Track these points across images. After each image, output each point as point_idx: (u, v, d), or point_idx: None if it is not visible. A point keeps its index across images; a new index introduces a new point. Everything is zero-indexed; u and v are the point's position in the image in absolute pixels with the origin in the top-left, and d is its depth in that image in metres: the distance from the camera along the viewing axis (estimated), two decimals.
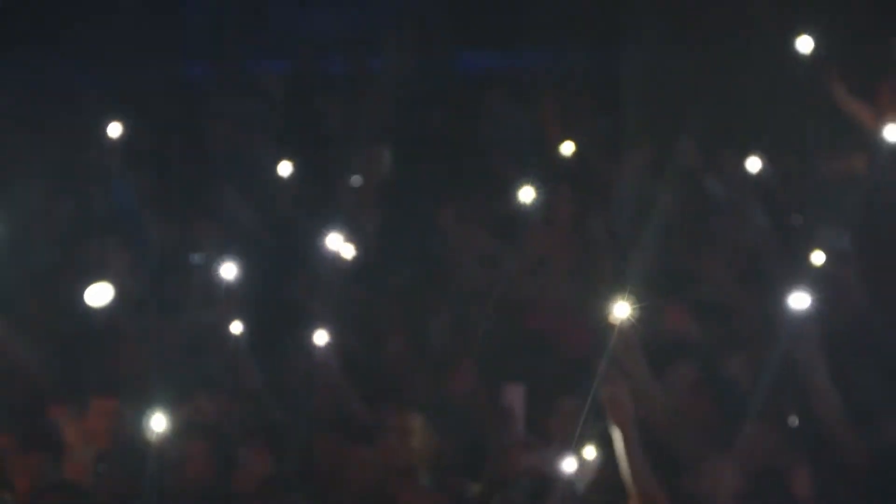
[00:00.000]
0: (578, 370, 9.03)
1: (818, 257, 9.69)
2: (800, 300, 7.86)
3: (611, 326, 7.58)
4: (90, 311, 10.54)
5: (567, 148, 11.51)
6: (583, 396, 8.17)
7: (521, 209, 11.01)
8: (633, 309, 7.52)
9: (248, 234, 11.91)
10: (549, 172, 11.12)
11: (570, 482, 7.58)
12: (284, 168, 12.54)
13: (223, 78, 16.23)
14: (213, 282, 10.62)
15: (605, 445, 7.70)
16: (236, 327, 10.05)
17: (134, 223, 12.52)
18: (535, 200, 10.88)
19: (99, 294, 10.45)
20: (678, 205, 11.59)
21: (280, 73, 16.02)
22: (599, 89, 15.10)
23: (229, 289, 10.41)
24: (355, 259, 11.23)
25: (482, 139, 14.30)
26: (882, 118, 12.82)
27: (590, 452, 7.88)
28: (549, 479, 7.48)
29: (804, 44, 13.06)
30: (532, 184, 10.96)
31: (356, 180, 12.85)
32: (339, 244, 11.00)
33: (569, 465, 7.36)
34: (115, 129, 12.84)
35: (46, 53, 16.38)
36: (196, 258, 12.17)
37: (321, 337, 9.65)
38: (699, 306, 9.73)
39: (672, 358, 8.84)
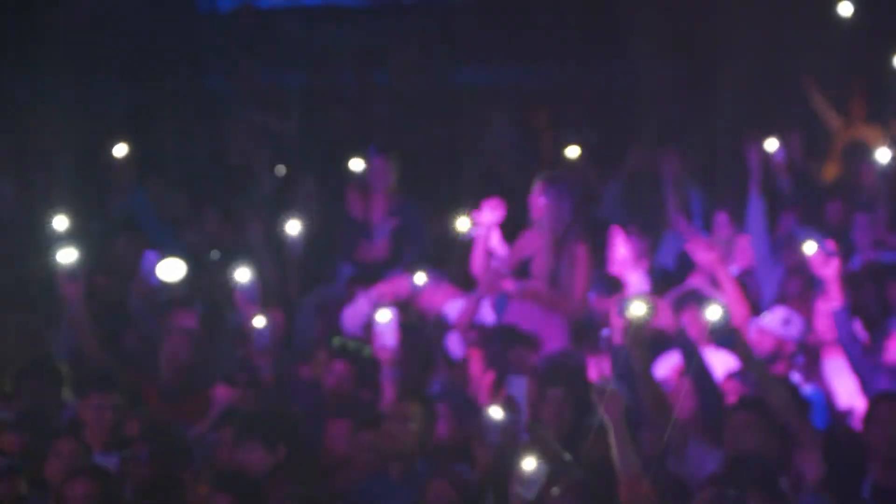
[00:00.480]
0: (564, 362, 9.11)
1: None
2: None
3: (624, 323, 7.68)
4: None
5: (572, 152, 11.45)
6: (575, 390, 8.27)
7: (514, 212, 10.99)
8: (649, 307, 7.63)
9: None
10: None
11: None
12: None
13: (241, 89, 16.23)
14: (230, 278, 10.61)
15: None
16: (258, 321, 9.96)
17: (154, 224, 12.50)
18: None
19: (171, 269, 10.45)
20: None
21: (293, 84, 16.03)
22: (585, 102, 15.14)
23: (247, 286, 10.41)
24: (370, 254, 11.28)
25: (478, 147, 14.32)
26: (852, 126, 12.96)
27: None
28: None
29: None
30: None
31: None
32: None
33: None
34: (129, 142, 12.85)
35: (83, 66, 16.45)
36: (214, 255, 12.13)
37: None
38: (680, 302, 9.72)
39: (659, 350, 8.93)
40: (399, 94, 16.18)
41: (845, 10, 13.34)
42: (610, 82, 15.97)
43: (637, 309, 7.57)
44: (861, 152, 12.58)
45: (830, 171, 13.27)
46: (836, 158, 13.28)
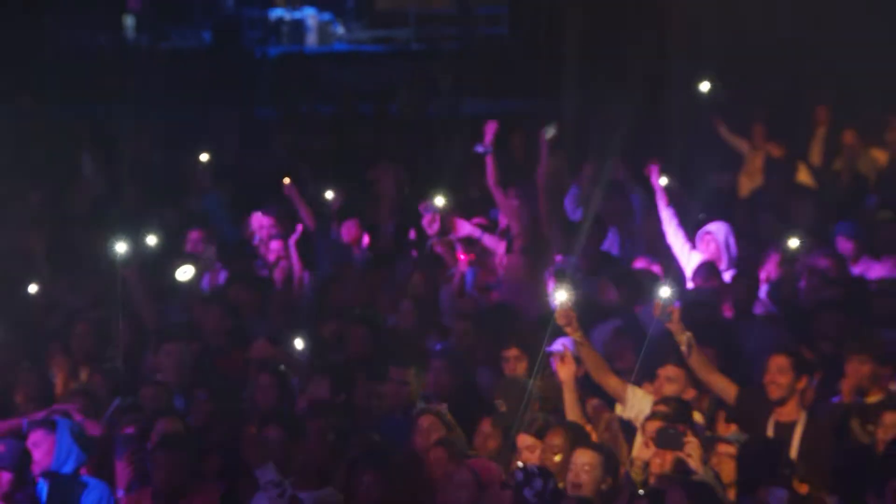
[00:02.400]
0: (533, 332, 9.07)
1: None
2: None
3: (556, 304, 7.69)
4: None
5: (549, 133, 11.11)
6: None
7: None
8: (570, 293, 7.58)
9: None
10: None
11: None
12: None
13: (285, 116, 16.28)
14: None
15: None
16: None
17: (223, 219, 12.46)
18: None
19: (185, 272, 10.06)
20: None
21: (326, 113, 16.11)
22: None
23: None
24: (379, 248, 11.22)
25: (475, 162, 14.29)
26: (755, 148, 12.98)
27: None
28: None
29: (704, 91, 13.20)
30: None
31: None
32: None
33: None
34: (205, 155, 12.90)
35: (171, 97, 16.70)
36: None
37: None
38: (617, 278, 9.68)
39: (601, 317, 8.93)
40: (409, 122, 16.29)
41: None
42: (573, 110, 16.04)
43: (561, 296, 7.59)
44: (770, 167, 12.59)
45: (746, 185, 13.24)
46: (749, 174, 13.23)
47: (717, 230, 9.89)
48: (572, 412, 7.42)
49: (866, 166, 12.27)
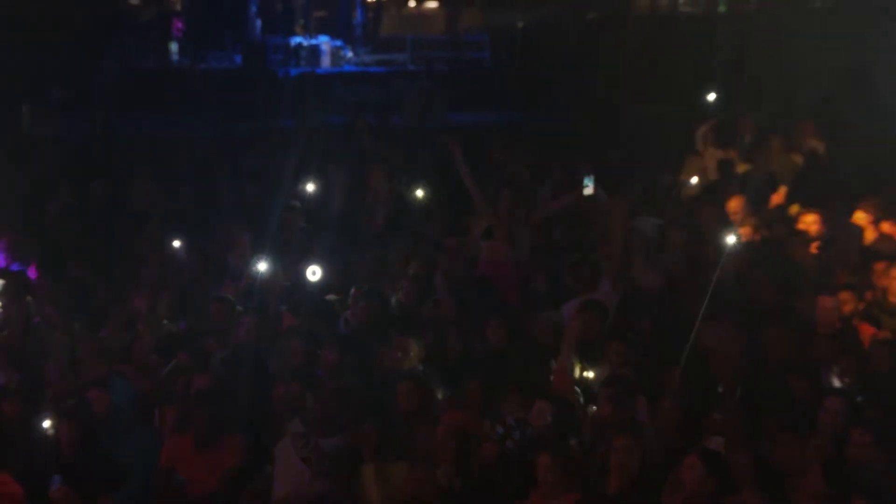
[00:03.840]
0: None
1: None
2: None
3: None
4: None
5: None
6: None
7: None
8: None
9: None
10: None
11: None
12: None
13: (304, 126, 16.22)
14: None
15: None
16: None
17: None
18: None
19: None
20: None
21: (337, 123, 16.09)
22: (523, 135, 15.21)
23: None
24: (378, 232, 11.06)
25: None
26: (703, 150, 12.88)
27: None
28: None
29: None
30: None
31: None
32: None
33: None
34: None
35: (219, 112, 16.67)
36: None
37: None
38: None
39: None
40: (408, 131, 16.27)
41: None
42: (539, 122, 16.08)
43: None
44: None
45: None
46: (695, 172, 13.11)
47: (643, 224, 9.73)
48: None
49: (782, 167, 12.23)
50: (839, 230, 9.88)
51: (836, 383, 7.27)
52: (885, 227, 10.09)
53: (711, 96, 13.36)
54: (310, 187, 11.69)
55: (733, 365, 7.36)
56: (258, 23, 23.78)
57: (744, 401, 7.03)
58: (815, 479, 6.22)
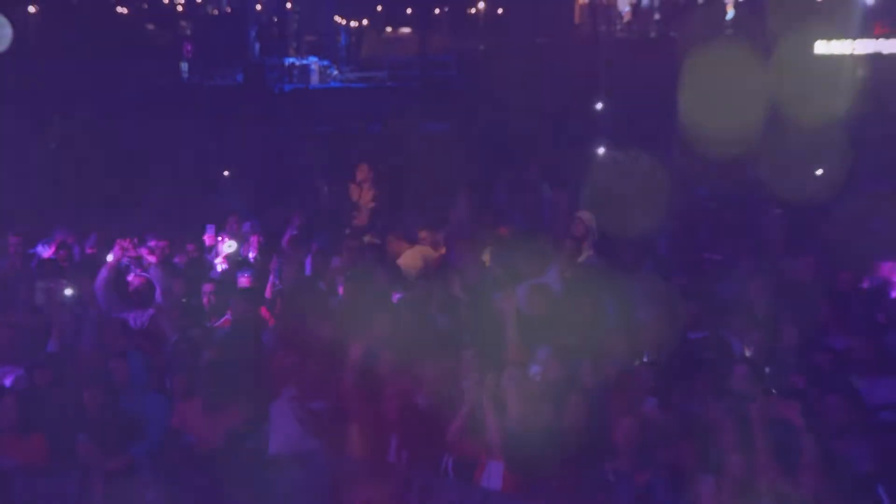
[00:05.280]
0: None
1: None
2: None
3: None
4: None
5: None
6: None
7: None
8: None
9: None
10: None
11: None
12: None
13: (296, 134, 16.09)
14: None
15: None
16: None
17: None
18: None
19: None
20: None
21: (325, 132, 15.95)
22: (484, 142, 15.10)
23: None
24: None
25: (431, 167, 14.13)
26: None
27: None
28: None
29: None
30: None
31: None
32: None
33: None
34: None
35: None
36: None
37: None
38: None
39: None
40: (387, 137, 16.14)
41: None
42: (496, 130, 15.99)
43: None
44: None
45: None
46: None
47: (586, 216, 9.49)
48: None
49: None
50: None
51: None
52: None
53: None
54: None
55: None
56: (257, 46, 23.64)
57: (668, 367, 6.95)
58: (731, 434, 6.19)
